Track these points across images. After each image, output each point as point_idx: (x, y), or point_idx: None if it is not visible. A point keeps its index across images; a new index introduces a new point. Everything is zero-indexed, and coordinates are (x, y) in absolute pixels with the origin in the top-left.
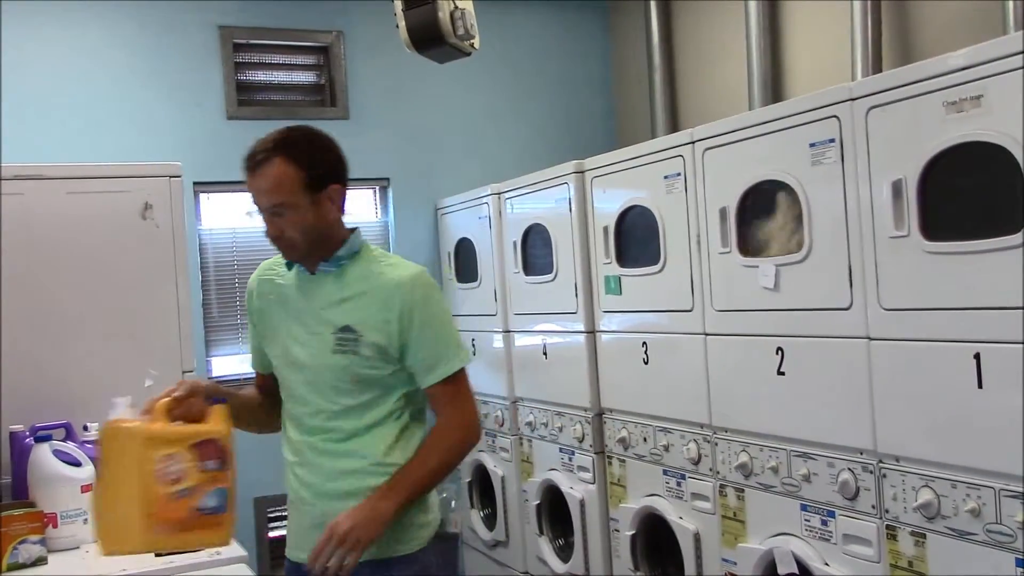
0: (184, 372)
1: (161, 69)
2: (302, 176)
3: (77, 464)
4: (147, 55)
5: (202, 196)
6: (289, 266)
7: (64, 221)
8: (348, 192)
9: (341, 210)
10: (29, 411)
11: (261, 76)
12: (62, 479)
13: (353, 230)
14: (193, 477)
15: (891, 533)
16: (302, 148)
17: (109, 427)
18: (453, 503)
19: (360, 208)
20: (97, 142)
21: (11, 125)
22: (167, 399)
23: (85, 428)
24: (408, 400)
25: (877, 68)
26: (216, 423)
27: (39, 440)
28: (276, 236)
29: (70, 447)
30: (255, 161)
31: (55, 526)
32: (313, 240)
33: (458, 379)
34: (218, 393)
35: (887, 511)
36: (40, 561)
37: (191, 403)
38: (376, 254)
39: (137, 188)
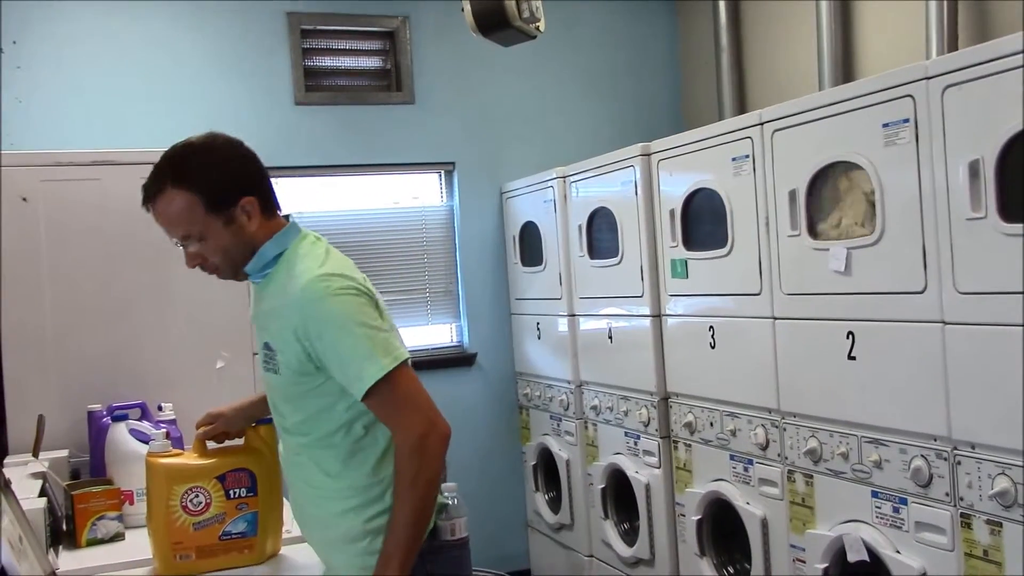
0: (254, 354)
1: (230, 56)
2: (201, 200)
3: None
4: (216, 42)
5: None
6: None
7: (138, 206)
8: (404, 178)
9: (268, 214)
10: (106, 391)
11: (328, 62)
12: (138, 457)
13: (284, 229)
14: (219, 506)
15: (965, 521)
16: (193, 169)
17: (146, 461)
18: (453, 502)
19: (425, 192)
20: (168, 128)
21: (86, 113)
22: (203, 429)
23: (160, 408)
24: (360, 407)
25: (953, 46)
26: (249, 450)
27: (116, 419)
28: (199, 265)
29: (145, 426)
30: (147, 197)
31: (131, 503)
32: (237, 258)
33: (388, 386)
34: (262, 410)
35: (961, 499)
36: (118, 537)
37: (227, 433)
38: (287, 264)
39: None
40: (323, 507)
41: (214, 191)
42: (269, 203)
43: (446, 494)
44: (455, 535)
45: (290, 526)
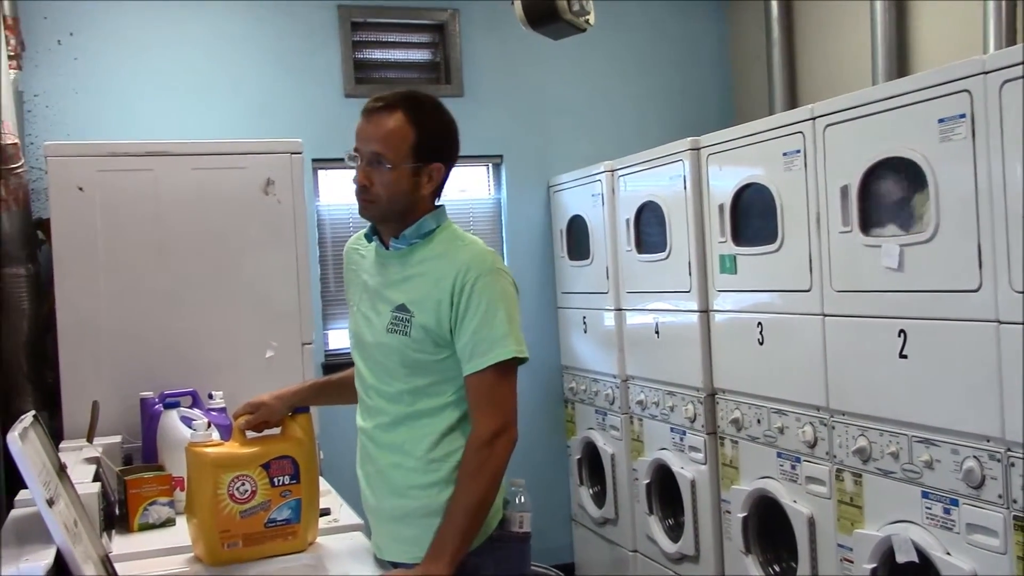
0: (303, 344)
1: (282, 49)
2: (414, 139)
3: None
4: (268, 35)
5: (320, 172)
6: (369, 239)
7: (190, 196)
8: (454, 172)
9: (437, 191)
10: (158, 379)
11: (378, 54)
12: None
13: (437, 208)
14: (265, 493)
15: (1019, 524)
16: (426, 112)
17: (188, 450)
18: (520, 499)
19: (473, 185)
20: (220, 120)
21: (140, 105)
22: (242, 418)
23: (210, 396)
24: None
25: (1011, 40)
26: (290, 438)
27: (167, 407)
28: (364, 186)
29: (196, 414)
30: (376, 106)
31: (182, 489)
32: (395, 206)
33: (497, 374)
34: (304, 399)
35: (1015, 501)
36: (169, 522)
37: (267, 422)
38: (451, 235)
39: (259, 164)
40: (408, 478)
41: (426, 141)
42: (443, 185)
43: (513, 488)
44: (521, 528)
45: (337, 514)
